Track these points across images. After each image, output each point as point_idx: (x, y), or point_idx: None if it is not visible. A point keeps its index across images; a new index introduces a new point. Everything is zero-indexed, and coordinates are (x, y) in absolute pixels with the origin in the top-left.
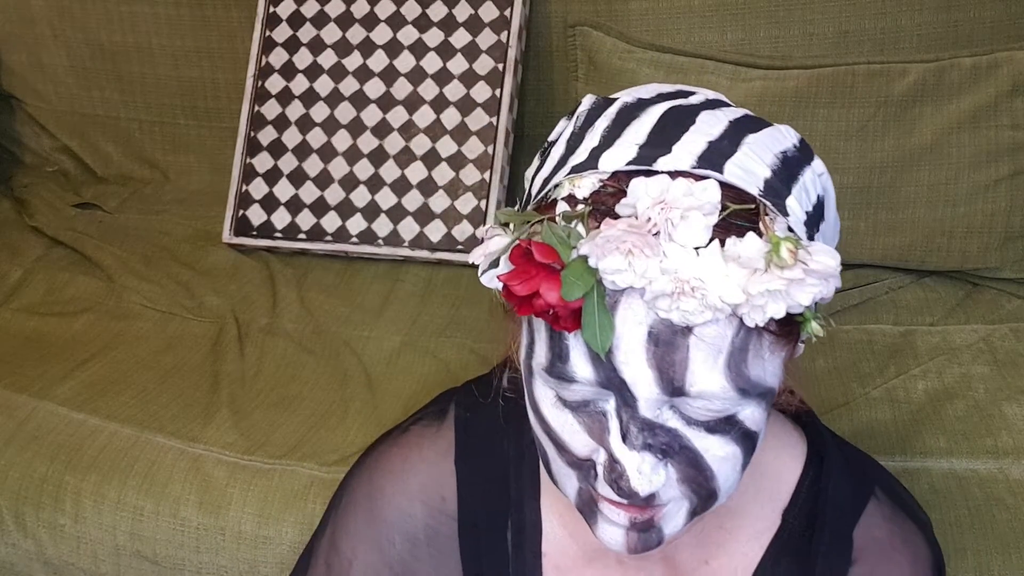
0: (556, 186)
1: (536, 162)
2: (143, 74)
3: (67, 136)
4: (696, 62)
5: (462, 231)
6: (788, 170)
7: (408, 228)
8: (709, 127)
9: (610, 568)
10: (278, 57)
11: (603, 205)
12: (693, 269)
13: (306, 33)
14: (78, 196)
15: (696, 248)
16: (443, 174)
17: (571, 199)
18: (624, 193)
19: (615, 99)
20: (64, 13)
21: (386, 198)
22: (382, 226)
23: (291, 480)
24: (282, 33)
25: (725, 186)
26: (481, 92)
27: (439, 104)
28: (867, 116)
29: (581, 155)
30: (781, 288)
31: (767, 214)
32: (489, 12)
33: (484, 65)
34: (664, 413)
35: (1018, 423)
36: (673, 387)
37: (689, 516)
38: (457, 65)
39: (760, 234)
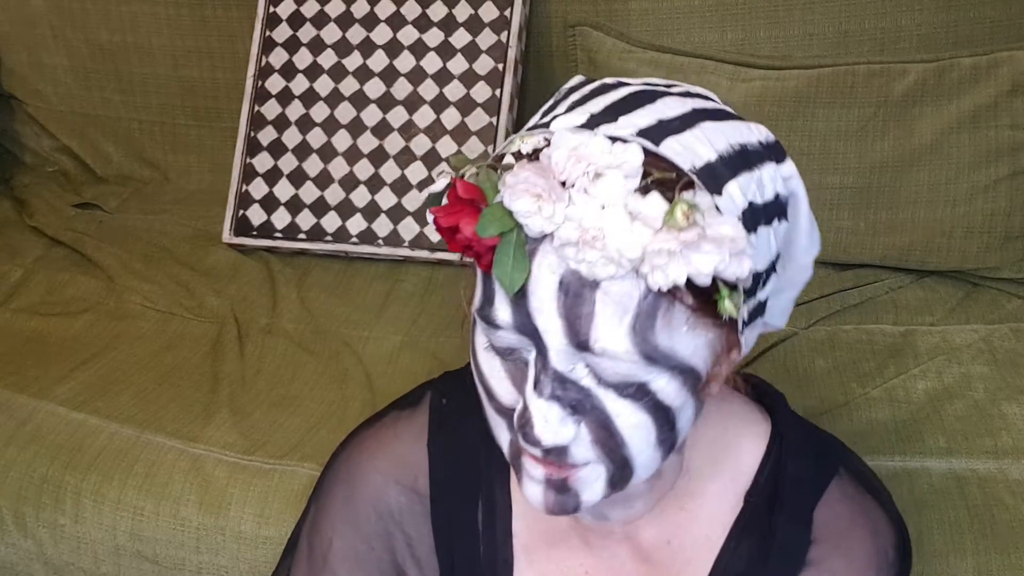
0: (510, 143)
1: None
2: (143, 74)
3: (67, 136)
4: (696, 62)
5: None
6: (743, 160)
7: (408, 228)
8: (667, 108)
9: (575, 549)
10: (278, 57)
11: None
12: (596, 219)
13: (306, 33)
14: (78, 196)
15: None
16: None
17: (517, 154)
18: None
19: (598, 79)
20: (64, 13)
21: (386, 198)
22: (382, 226)
23: (291, 480)
24: (282, 33)
25: (657, 157)
26: (481, 92)
27: (439, 104)
28: (867, 116)
29: (544, 120)
30: (675, 249)
31: (692, 188)
32: (489, 12)
33: (484, 65)
34: (578, 369)
35: (1018, 423)
36: (579, 340)
37: (608, 486)
38: (457, 65)
39: (671, 198)
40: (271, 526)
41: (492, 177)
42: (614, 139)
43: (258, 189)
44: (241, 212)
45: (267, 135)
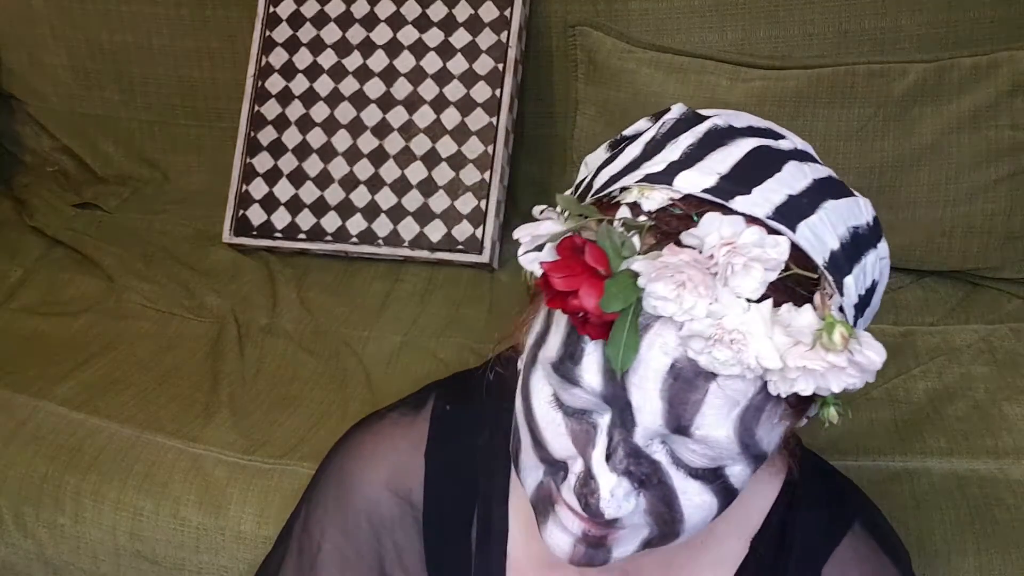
0: (624, 189)
1: (602, 152)
2: (143, 74)
3: (67, 136)
4: (696, 62)
5: (462, 231)
6: (856, 248)
7: (408, 228)
8: (793, 179)
9: None
10: (278, 57)
11: (666, 225)
12: (739, 321)
13: (306, 33)
14: (78, 196)
15: (748, 301)
16: (443, 174)
17: (635, 207)
18: (691, 219)
19: (706, 117)
20: (64, 13)
21: (386, 198)
22: (382, 226)
23: (291, 480)
24: (282, 33)
25: (792, 246)
26: (481, 92)
27: (439, 104)
28: (867, 116)
29: (657, 165)
30: (820, 369)
31: (825, 288)
32: (489, 12)
33: (484, 65)
34: (654, 444)
35: (1018, 423)
36: (679, 424)
37: (642, 545)
38: (457, 65)
39: (814, 307)
40: (271, 526)
41: (613, 236)
42: (750, 218)
43: (258, 189)
44: (241, 212)
45: (267, 135)
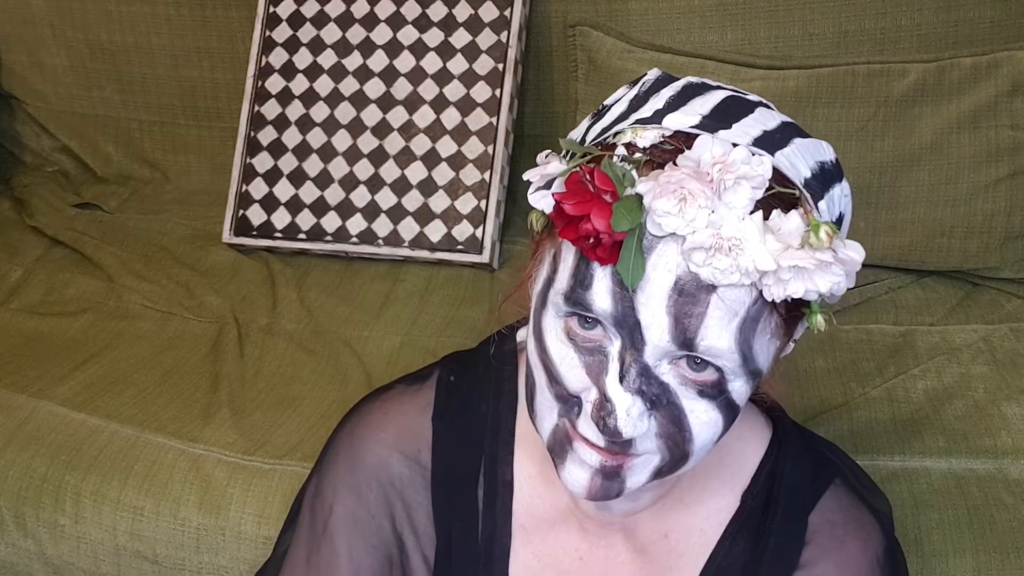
0: (618, 133)
1: (586, 123)
2: (143, 74)
3: (67, 136)
4: (696, 62)
5: (462, 231)
6: (824, 179)
7: (408, 228)
8: (765, 120)
9: (572, 532)
10: (278, 57)
11: (659, 159)
12: (736, 229)
13: (306, 33)
14: (78, 196)
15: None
16: (443, 174)
17: (631, 147)
18: (681, 152)
19: (680, 77)
20: (64, 13)
21: (386, 198)
22: (382, 226)
23: (291, 480)
24: (282, 33)
25: (773, 170)
26: (481, 92)
27: (439, 104)
28: (867, 116)
29: (645, 112)
30: (809, 267)
31: (805, 205)
32: (489, 12)
33: (484, 65)
34: (663, 366)
35: (1017, 423)
36: (685, 338)
37: (654, 474)
38: (457, 65)
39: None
40: (271, 526)
41: (615, 168)
42: (735, 145)
43: (258, 189)
44: (241, 212)
45: (267, 135)
